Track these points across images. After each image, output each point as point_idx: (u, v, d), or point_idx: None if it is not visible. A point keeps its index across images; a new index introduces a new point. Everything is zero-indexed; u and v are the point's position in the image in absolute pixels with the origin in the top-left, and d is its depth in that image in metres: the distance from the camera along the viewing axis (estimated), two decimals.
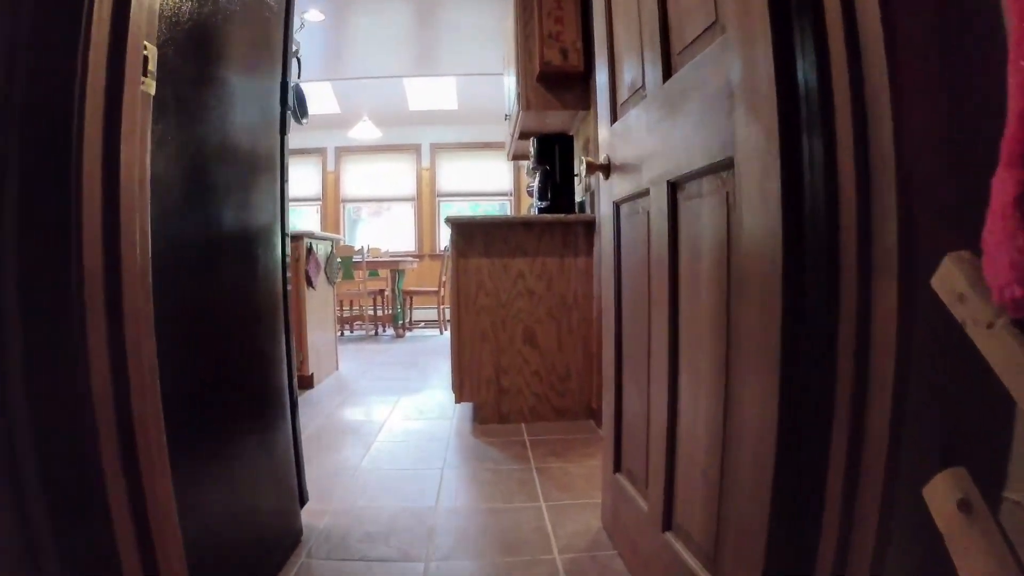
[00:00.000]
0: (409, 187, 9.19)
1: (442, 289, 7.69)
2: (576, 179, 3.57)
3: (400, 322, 7.71)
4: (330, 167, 9.32)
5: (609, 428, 2.02)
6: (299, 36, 5.51)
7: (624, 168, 1.73)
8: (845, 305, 0.85)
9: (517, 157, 4.82)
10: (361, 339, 7.48)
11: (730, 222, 1.14)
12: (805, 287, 0.92)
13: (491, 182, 9.08)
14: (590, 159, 1.87)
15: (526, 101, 3.31)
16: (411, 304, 8.16)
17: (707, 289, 1.24)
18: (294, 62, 5.01)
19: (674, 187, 1.39)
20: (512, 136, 4.17)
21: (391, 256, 8.87)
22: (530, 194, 4.12)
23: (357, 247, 8.92)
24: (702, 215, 1.26)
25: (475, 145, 9.01)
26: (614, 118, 1.82)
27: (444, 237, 9.27)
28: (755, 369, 1.03)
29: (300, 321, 4.54)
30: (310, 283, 4.56)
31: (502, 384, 3.52)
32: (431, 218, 9.16)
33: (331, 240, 5.11)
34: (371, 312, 7.88)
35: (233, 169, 1.73)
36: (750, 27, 1.01)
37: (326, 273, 5.05)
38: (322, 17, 5.36)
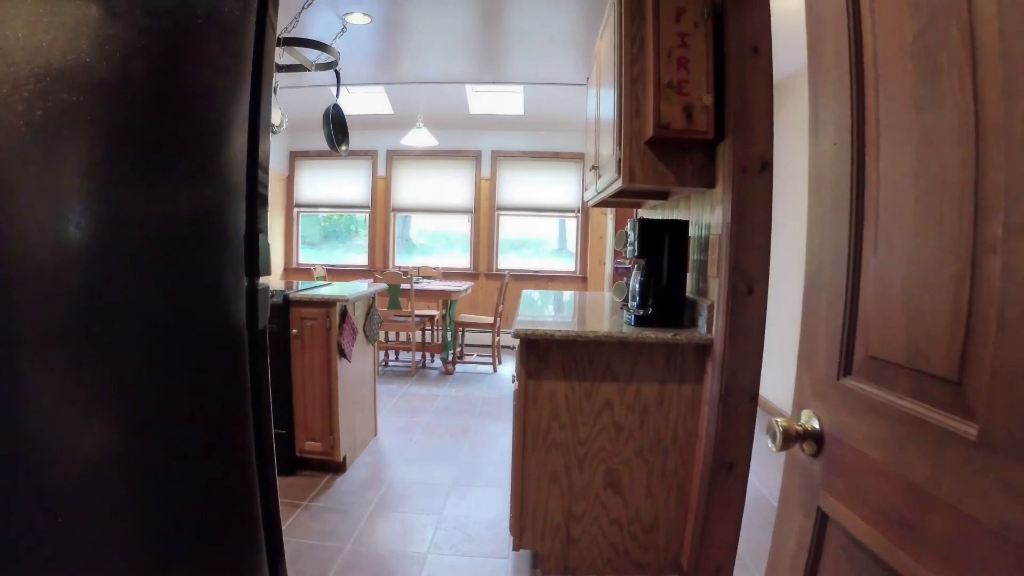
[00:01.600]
0: (466, 198, 8.38)
1: (498, 319, 6.91)
2: (688, 273, 2.70)
3: (450, 355, 6.95)
4: (380, 172, 8.57)
5: None
6: (339, 43, 4.75)
7: (857, 467, 0.89)
8: None
9: (601, 205, 3.96)
10: (404, 376, 6.75)
11: None
12: None
13: (558, 196, 8.20)
14: (786, 423, 1.02)
15: (629, 171, 2.45)
16: (463, 334, 7.39)
17: None
18: (332, 74, 4.24)
19: None
20: (598, 191, 3.31)
21: (444, 271, 8.12)
22: (619, 273, 3.25)
23: (408, 267, 8.23)
24: None
25: (542, 155, 8.14)
26: (846, 366, 0.97)
27: (503, 255, 8.47)
28: None
29: (332, 401, 3.83)
30: (343, 355, 3.81)
31: (572, 533, 2.74)
32: (489, 233, 8.34)
33: (372, 294, 4.33)
34: (419, 339, 7.13)
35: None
36: None
37: (365, 332, 4.30)
38: (368, 20, 4.55)
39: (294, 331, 3.79)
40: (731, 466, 2.47)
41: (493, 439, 4.72)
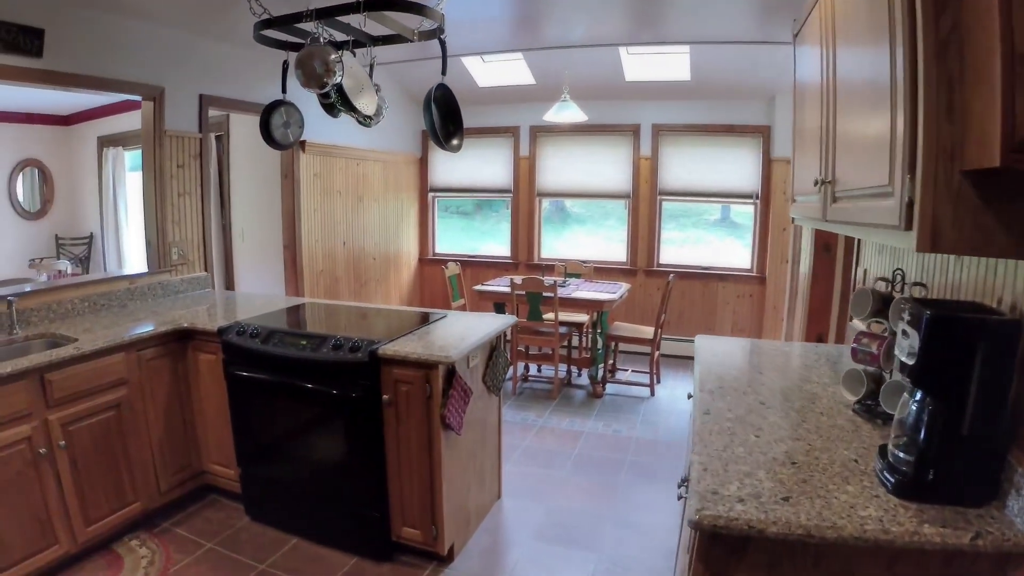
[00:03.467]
0: (622, 180, 7.22)
1: (659, 331, 5.78)
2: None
3: (600, 372, 5.91)
4: (523, 151, 7.60)
5: None
6: (456, 5, 3.75)
7: None
8: None
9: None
10: (544, 398, 5.80)
11: None
12: None
13: (732, 178, 6.84)
14: None
15: (931, 228, 1.26)
16: (616, 347, 6.31)
17: None
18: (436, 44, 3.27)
19: None
20: (828, 219, 2.13)
21: (596, 265, 7.06)
22: (857, 355, 2.08)
23: (554, 261, 7.25)
24: None
25: (713, 128, 6.81)
26: None
27: (665, 249, 7.27)
28: None
29: (434, 484, 3.00)
30: (450, 428, 2.89)
31: None
32: (649, 221, 7.15)
33: (494, 336, 3.37)
34: (563, 351, 6.13)
35: None
36: None
37: (486, 382, 3.38)
38: None
39: (385, 397, 2.93)
40: None
41: (646, 514, 3.67)
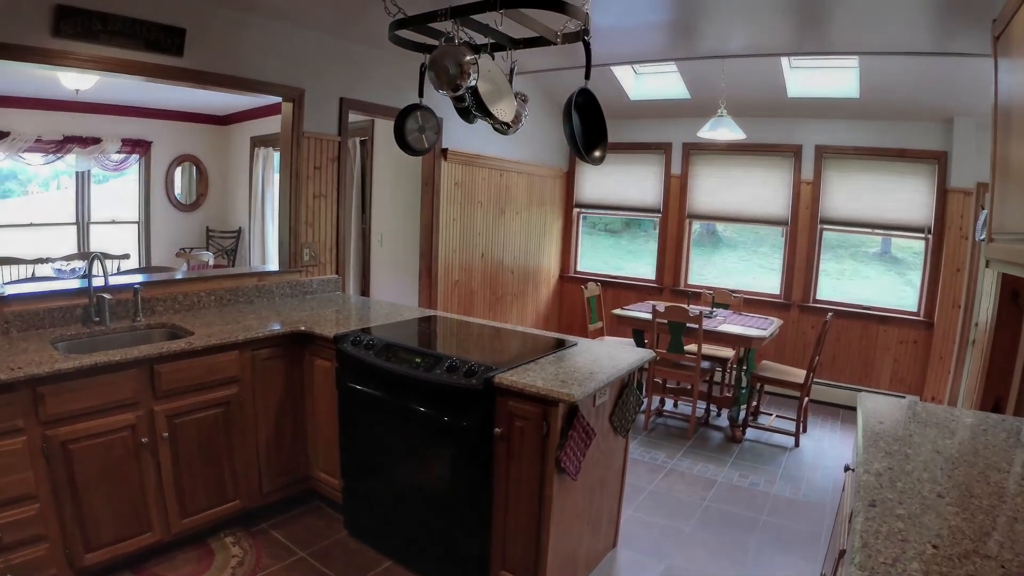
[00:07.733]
0: (780, 205, 6.71)
1: (811, 376, 5.28)
2: None
3: (741, 414, 5.47)
4: (675, 169, 7.25)
5: None
6: (607, 8, 3.55)
7: None
8: None
9: None
10: (678, 438, 5.44)
11: None
12: None
13: (902, 208, 6.12)
14: None
15: None
16: (761, 388, 5.84)
17: None
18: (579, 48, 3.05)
19: None
20: None
21: (746, 297, 6.60)
22: None
23: (701, 289, 6.84)
24: None
25: (883, 152, 6.15)
26: None
27: (824, 283, 6.68)
28: None
29: (541, 532, 2.78)
30: (565, 472, 2.66)
31: None
32: (807, 252, 6.59)
33: (627, 373, 3.09)
34: (703, 387, 5.74)
35: None
36: None
37: (613, 422, 3.12)
38: None
39: (498, 430, 2.74)
40: None
41: None
